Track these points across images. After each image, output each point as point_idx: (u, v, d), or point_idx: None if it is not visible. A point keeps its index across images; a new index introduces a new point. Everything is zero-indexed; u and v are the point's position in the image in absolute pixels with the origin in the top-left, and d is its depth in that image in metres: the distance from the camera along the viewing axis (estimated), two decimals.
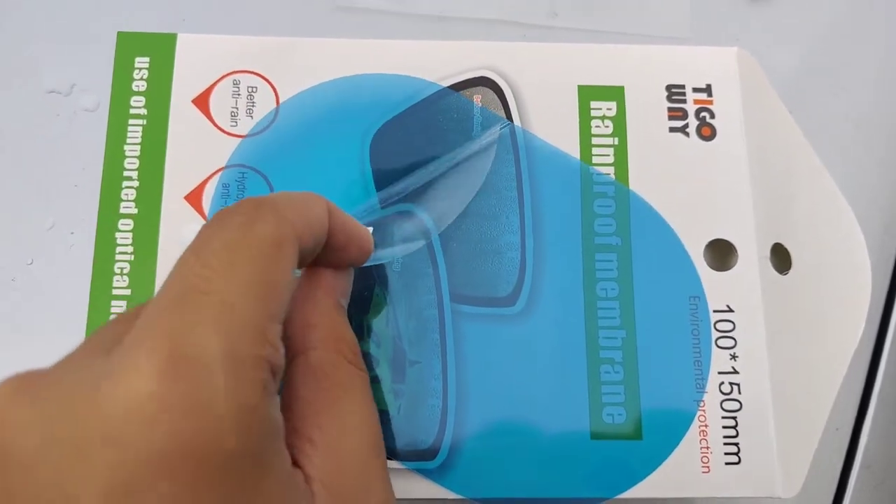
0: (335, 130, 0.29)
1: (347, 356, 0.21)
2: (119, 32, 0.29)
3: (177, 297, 0.16)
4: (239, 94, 0.29)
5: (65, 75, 0.30)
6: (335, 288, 0.22)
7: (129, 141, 0.28)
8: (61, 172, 0.28)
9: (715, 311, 0.27)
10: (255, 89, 0.29)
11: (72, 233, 0.28)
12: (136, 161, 0.28)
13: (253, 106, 0.29)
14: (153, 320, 0.16)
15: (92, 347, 0.17)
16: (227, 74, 0.29)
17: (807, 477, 0.27)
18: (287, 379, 0.20)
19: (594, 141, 0.29)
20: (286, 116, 0.29)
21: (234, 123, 0.29)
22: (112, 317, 0.26)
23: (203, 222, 0.27)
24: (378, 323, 0.27)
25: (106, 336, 0.17)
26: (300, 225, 0.19)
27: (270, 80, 0.29)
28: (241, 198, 0.28)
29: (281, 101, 0.29)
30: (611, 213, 0.28)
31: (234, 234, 0.17)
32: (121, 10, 0.30)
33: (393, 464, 0.25)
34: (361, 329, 0.26)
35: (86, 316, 0.27)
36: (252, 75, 0.29)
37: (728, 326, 0.27)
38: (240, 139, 0.28)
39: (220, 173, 0.28)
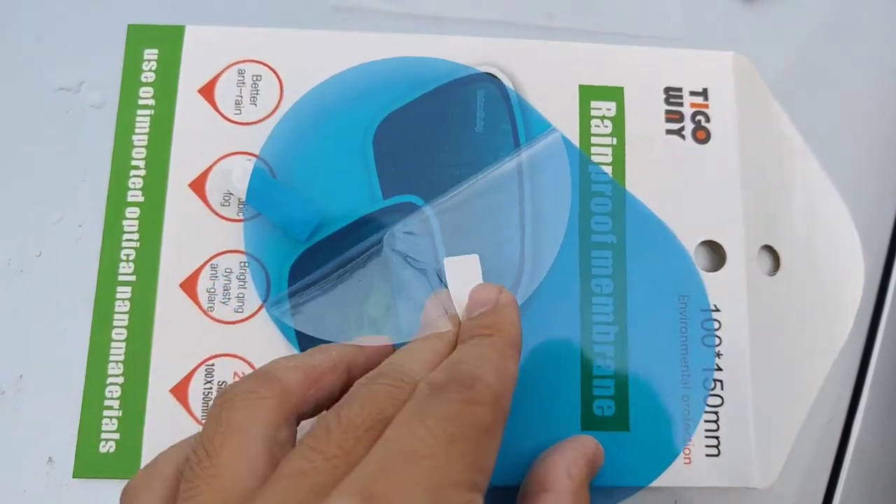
0: (338, 123, 0.29)
1: None
2: (129, 25, 0.29)
3: (393, 457, 0.17)
4: (244, 83, 0.29)
5: (73, 73, 0.30)
6: (594, 461, 0.25)
7: (137, 131, 0.29)
8: (69, 167, 0.29)
9: (702, 311, 0.28)
10: (259, 78, 0.29)
11: (79, 226, 0.28)
12: (144, 151, 0.28)
13: (257, 94, 0.29)
14: (362, 476, 0.17)
15: (310, 490, 0.17)
16: (233, 64, 0.29)
17: (799, 468, 0.28)
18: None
19: (593, 140, 0.29)
20: (291, 106, 0.29)
21: (238, 112, 0.29)
22: (118, 305, 0.27)
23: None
24: (378, 314, 0.27)
25: (321, 476, 0.17)
26: (507, 402, 0.20)
27: (275, 68, 0.29)
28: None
29: (285, 89, 0.29)
30: (607, 212, 0.29)
31: (456, 413, 0.19)
32: (128, 10, 0.30)
33: None
34: (361, 319, 0.27)
35: (92, 304, 0.27)
36: (257, 64, 0.29)
37: (714, 325, 0.28)
38: (246, 126, 0.29)
39: (223, 161, 0.28)
